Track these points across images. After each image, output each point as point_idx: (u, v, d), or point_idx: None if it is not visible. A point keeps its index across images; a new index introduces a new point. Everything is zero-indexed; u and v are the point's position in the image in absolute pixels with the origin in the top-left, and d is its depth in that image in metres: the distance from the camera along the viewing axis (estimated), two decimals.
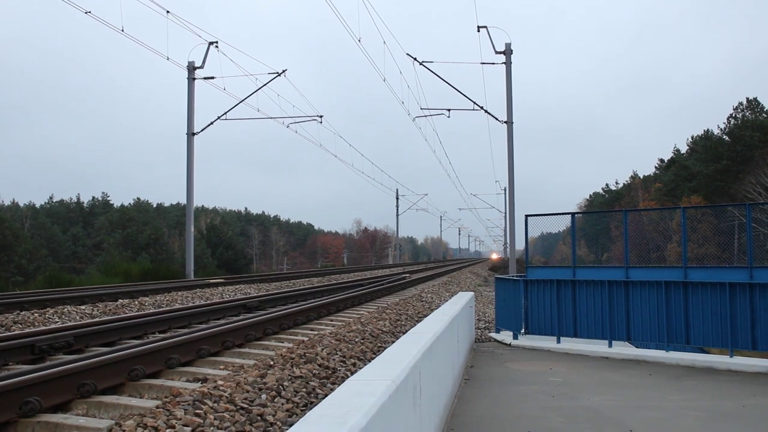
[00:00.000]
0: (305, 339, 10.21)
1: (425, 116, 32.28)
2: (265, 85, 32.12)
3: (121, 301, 16.40)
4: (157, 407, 5.51)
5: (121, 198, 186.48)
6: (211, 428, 5.12)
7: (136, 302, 16.27)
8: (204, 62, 32.22)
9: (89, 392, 6.17)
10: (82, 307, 14.78)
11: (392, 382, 4.15)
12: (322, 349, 8.99)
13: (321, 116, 34.18)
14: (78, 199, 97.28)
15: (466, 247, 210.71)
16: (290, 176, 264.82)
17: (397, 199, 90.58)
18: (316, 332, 11.34)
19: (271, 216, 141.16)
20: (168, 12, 23.92)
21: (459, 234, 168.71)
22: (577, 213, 14.91)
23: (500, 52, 28.51)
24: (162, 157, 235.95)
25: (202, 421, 5.22)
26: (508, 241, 29.51)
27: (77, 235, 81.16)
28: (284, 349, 8.91)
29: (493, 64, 28.87)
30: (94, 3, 20.91)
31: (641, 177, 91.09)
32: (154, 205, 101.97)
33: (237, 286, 23.82)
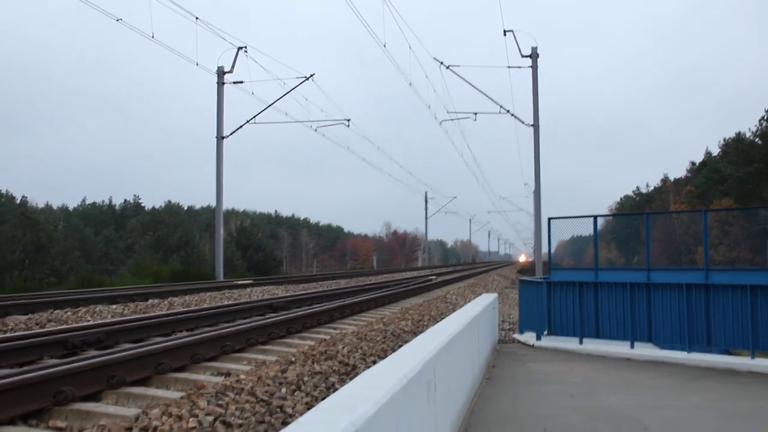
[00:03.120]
0: (327, 337, 10.48)
1: (452, 120, 32.49)
2: (293, 89, 32.55)
3: (151, 301, 16.82)
4: (182, 398, 5.82)
5: (152, 201, 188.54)
6: (232, 418, 5.38)
7: (166, 302, 16.67)
8: (233, 67, 32.73)
9: (118, 384, 6.53)
10: (114, 306, 15.21)
11: (404, 376, 4.36)
12: (343, 347, 9.24)
13: (348, 120, 34.56)
14: (110, 201, 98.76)
15: (496, 250, 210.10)
16: (320, 179, 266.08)
17: (426, 201, 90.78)
18: (338, 331, 11.60)
19: (301, 218, 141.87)
20: (197, 18, 24.40)
21: (489, 237, 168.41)
22: (600, 216, 15.03)
23: (527, 56, 28.65)
24: (193, 160, 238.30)
25: (223, 411, 5.50)
26: (535, 243, 29.50)
27: (109, 237, 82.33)
28: (306, 347, 9.19)
29: (520, 67, 29.02)
30: (125, 11, 21.38)
31: (672, 180, 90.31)
32: (185, 208, 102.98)
33: (265, 288, 24.19)
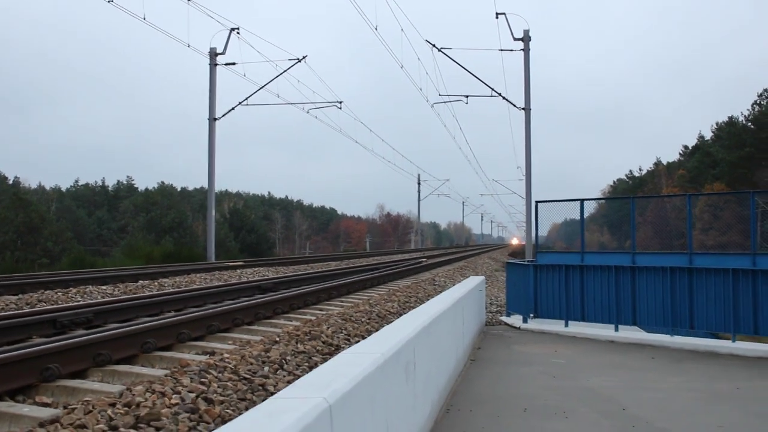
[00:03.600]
0: (313, 318, 10.63)
1: (444, 102, 32.53)
2: (285, 71, 32.54)
3: (141, 282, 16.94)
4: (166, 375, 5.97)
5: (145, 182, 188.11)
6: (214, 395, 5.52)
7: (156, 283, 16.79)
8: (225, 48, 32.70)
9: (104, 362, 6.68)
10: (104, 287, 15.33)
11: (381, 355, 4.50)
12: (328, 328, 9.40)
13: (341, 102, 34.59)
14: (103, 182, 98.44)
15: (489, 232, 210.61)
16: (314, 161, 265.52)
17: (419, 184, 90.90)
18: (324, 312, 11.75)
19: (295, 200, 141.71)
20: (189, 1, 24.34)
21: (482, 219, 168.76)
22: (586, 199, 15.13)
23: (519, 39, 28.62)
24: (186, 141, 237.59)
25: (206, 389, 5.64)
26: (527, 227, 29.64)
27: (102, 219, 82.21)
28: (291, 327, 9.34)
29: (512, 51, 29.00)
30: None
31: (665, 164, 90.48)
32: (179, 189, 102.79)
33: (255, 269, 24.32)
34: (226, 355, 6.85)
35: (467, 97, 31.17)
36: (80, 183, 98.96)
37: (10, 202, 51.54)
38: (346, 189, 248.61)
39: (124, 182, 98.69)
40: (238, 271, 23.01)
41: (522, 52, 28.65)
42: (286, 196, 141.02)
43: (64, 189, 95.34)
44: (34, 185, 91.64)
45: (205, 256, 33.02)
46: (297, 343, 8.09)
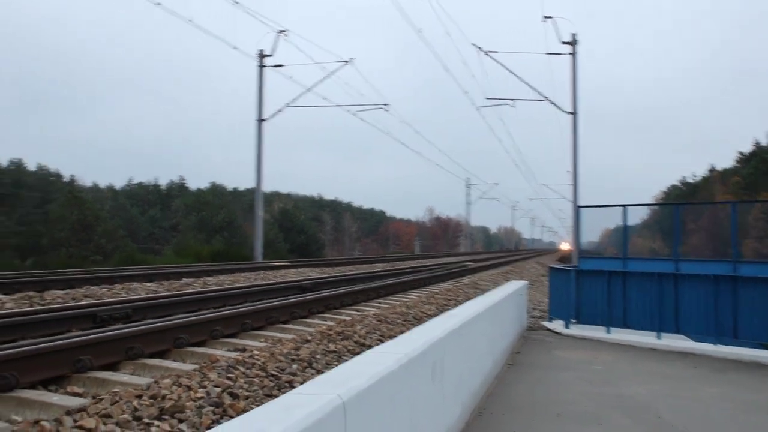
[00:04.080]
0: (348, 319, 10.68)
1: (490, 106, 32.41)
2: (332, 73, 32.79)
3: (185, 279, 17.24)
4: (194, 370, 6.08)
5: (197, 182, 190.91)
6: (240, 390, 5.60)
7: (200, 281, 17.07)
8: (273, 50, 33.09)
9: (136, 355, 6.84)
10: (149, 284, 15.66)
11: (405, 355, 4.52)
12: (361, 328, 9.45)
13: (387, 104, 34.67)
14: (156, 182, 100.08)
15: (539, 237, 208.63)
16: (363, 163, 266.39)
17: (468, 187, 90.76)
18: (360, 313, 11.79)
19: (344, 202, 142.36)
20: (236, 2, 24.70)
21: (531, 224, 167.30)
22: (629, 205, 14.97)
23: (566, 43, 28.40)
24: (238, 142, 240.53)
25: (232, 384, 5.73)
26: (573, 232, 29.34)
27: (155, 217, 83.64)
28: (324, 327, 9.41)
29: (559, 54, 28.76)
30: None
31: (720, 170, 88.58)
32: (230, 190, 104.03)
33: (300, 269, 24.53)
34: (255, 352, 6.95)
35: (514, 101, 31.06)
36: (134, 182, 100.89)
37: (66, 200, 52.83)
38: (395, 192, 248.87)
39: (177, 182, 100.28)
40: (283, 271, 23.24)
41: (569, 56, 28.38)
42: (336, 198, 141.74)
43: (118, 188, 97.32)
44: (88, 184, 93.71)
45: (253, 256, 33.44)
46: (328, 342, 8.15)
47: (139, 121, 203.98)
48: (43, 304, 11.36)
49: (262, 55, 33.75)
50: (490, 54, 29.51)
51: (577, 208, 15.74)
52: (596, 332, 13.46)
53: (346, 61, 33.04)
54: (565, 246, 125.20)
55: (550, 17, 28.10)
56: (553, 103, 29.33)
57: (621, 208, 15.09)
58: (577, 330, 13.79)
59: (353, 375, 3.70)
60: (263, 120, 34.06)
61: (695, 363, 10.89)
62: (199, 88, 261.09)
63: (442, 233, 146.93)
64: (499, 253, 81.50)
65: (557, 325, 14.57)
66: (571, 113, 28.46)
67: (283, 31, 32.52)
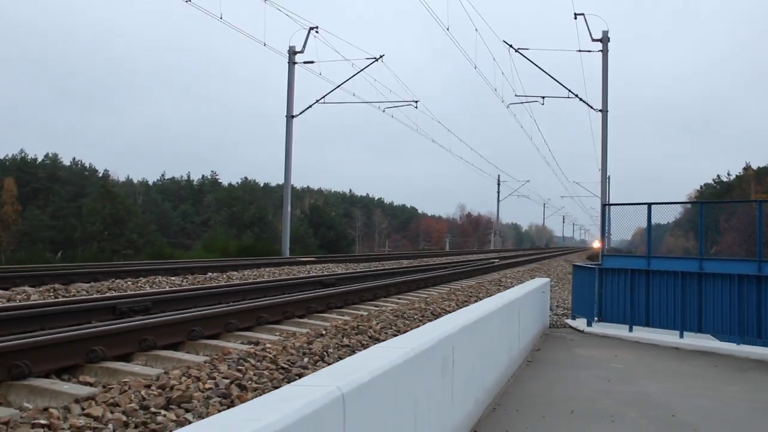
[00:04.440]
0: (365, 314, 10.75)
1: (520, 103, 32.29)
2: (362, 69, 32.90)
3: (210, 274, 17.44)
4: (205, 362, 6.19)
5: (229, 177, 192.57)
6: (249, 382, 5.69)
7: (224, 276, 17.26)
8: (304, 47, 33.28)
9: (149, 347, 6.98)
10: (173, 278, 15.88)
11: (411, 350, 4.55)
12: (377, 324, 9.50)
13: (417, 101, 34.72)
14: (188, 177, 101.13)
15: (570, 235, 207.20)
16: (395, 159, 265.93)
17: (499, 184, 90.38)
18: (378, 308, 11.85)
19: (375, 198, 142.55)
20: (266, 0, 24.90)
21: (563, 222, 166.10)
22: (654, 203, 14.79)
23: (597, 40, 28.18)
24: (269, 138, 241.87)
25: (241, 376, 5.82)
26: (601, 229, 29.17)
27: (186, 212, 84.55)
28: (340, 321, 9.48)
29: (590, 51, 28.57)
30: None
31: (755, 168, 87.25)
32: (261, 185, 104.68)
33: (325, 265, 24.67)
34: (268, 345, 7.03)
35: (543, 98, 30.92)
36: (166, 177, 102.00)
37: (99, 194, 53.66)
38: (426, 188, 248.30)
39: (209, 177, 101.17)
40: (308, 266, 23.38)
41: (600, 53, 28.16)
42: (367, 194, 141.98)
43: (150, 182, 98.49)
44: (122, 178, 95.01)
45: (281, 252, 33.70)
46: (343, 336, 8.22)
47: (172, 117, 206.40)
48: (67, 297, 11.57)
49: (292, 52, 33.97)
50: (521, 51, 29.40)
51: (603, 207, 15.65)
52: (618, 330, 13.39)
53: (377, 58, 33.13)
54: (596, 244, 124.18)
55: (581, 14, 27.93)
56: (582, 100, 29.16)
57: (646, 206, 14.92)
58: (599, 328, 13.72)
59: (356, 368, 3.73)
60: (293, 116, 34.27)
61: (717, 362, 10.79)
62: (233, 84, 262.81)
63: (472, 230, 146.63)
64: (529, 251, 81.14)
65: (580, 323, 14.51)
66: (601, 111, 28.25)
67: (314, 28, 32.69)
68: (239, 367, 6.06)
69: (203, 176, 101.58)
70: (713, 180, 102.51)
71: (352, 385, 3.40)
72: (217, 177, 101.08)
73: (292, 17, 29.62)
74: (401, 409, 4.28)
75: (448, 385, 5.58)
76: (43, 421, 4.33)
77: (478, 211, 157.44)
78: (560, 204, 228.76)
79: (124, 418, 4.58)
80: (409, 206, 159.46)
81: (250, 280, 15.94)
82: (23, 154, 75.57)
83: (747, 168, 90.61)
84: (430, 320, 11.16)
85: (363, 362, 3.97)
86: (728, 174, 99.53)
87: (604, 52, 28.09)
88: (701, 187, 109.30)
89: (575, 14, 27.80)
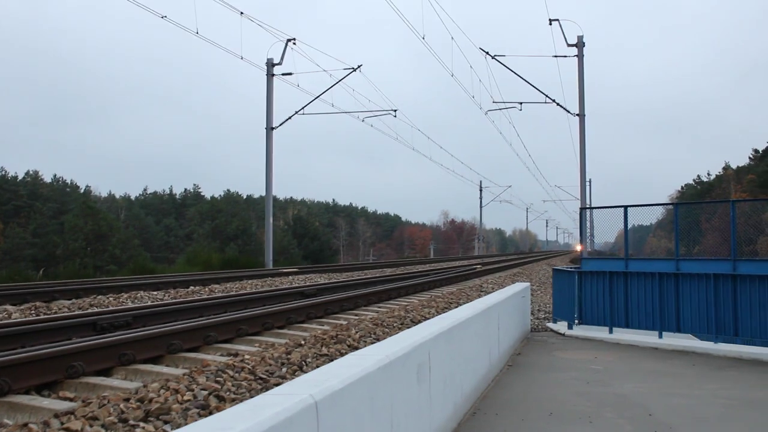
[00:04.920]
0: (344, 323, 10.84)
1: (498, 109, 32.54)
2: (340, 80, 33.05)
3: (192, 288, 17.48)
4: (184, 374, 6.27)
5: (212, 190, 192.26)
6: (227, 393, 5.77)
7: (206, 289, 17.30)
8: (282, 59, 33.39)
9: (129, 361, 7.05)
10: (155, 292, 15.89)
11: (386, 357, 4.65)
12: (356, 332, 9.60)
13: (395, 110, 34.90)
14: (171, 190, 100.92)
15: (554, 239, 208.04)
16: (377, 169, 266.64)
17: (481, 191, 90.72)
18: (358, 317, 11.95)
19: (359, 207, 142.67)
20: (242, 13, 24.99)
21: (546, 226, 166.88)
22: (630, 206, 14.94)
23: (572, 45, 28.47)
24: (251, 150, 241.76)
25: (219, 387, 5.91)
26: (580, 233, 29.39)
27: (170, 226, 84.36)
28: (320, 331, 9.57)
29: (565, 57, 28.83)
30: (169, 8, 22.09)
31: (734, 168, 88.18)
32: (244, 197, 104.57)
33: (307, 275, 24.73)
34: (246, 357, 7.12)
35: (521, 104, 31.21)
36: (149, 191, 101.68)
37: (80, 210, 53.45)
38: (409, 196, 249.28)
39: (191, 190, 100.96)
40: (290, 277, 23.44)
41: (576, 58, 28.45)
42: (351, 203, 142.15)
43: (133, 197, 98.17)
44: (104, 194, 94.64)
45: (264, 263, 33.70)
46: (321, 346, 8.31)
47: (154, 131, 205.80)
48: (48, 314, 11.59)
49: (270, 64, 34.03)
50: (497, 58, 29.63)
51: (581, 210, 15.85)
52: (599, 333, 13.53)
53: (355, 68, 33.28)
54: (579, 248, 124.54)
55: (556, 20, 28.20)
56: (560, 105, 29.45)
57: (623, 209, 15.08)
58: (580, 331, 13.85)
59: (330, 377, 3.82)
60: (273, 128, 34.33)
61: (695, 361, 10.94)
62: (214, 96, 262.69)
63: (456, 237, 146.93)
64: (512, 256, 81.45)
65: (561, 326, 14.64)
66: (579, 115, 28.52)
67: (292, 39, 32.79)
68: (218, 379, 6.14)
69: (186, 190, 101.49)
70: (694, 180, 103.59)
71: (325, 393, 3.49)
72: (199, 190, 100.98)
73: (269, 30, 29.71)
74: (377, 415, 4.37)
75: (425, 391, 5.67)
76: None
77: (462, 218, 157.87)
78: (543, 208, 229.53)
79: (103, 431, 4.65)
80: (392, 214, 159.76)
81: (231, 293, 15.96)
82: (3, 172, 75.10)
83: (726, 168, 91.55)
84: (409, 327, 11.27)
85: (337, 370, 4.06)
86: (708, 174, 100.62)
87: (580, 57, 28.39)
88: (682, 187, 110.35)
89: (550, 20, 28.08)
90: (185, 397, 5.52)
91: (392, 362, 4.70)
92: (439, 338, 6.17)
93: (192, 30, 23.16)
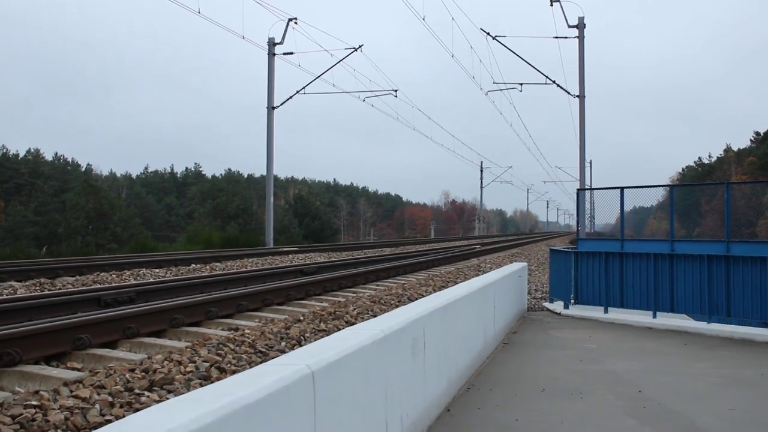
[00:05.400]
0: (343, 300, 11.06)
1: (499, 90, 32.60)
2: (341, 60, 33.03)
3: (193, 265, 17.70)
4: (186, 347, 6.49)
5: (213, 169, 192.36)
6: (228, 365, 5.99)
7: (207, 267, 17.51)
8: (283, 38, 33.38)
9: (133, 334, 7.29)
10: (157, 270, 16.12)
11: (381, 331, 4.85)
12: (354, 309, 9.81)
13: (396, 90, 34.96)
14: (172, 169, 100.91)
15: (555, 220, 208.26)
16: (380, 148, 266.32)
17: (482, 171, 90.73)
18: (355, 295, 12.17)
19: (360, 187, 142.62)
20: None
21: (547, 207, 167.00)
22: (626, 187, 15.09)
23: (573, 26, 28.49)
24: (252, 129, 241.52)
25: (221, 359, 6.13)
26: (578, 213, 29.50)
27: (171, 205, 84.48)
28: (318, 308, 9.79)
29: (566, 38, 28.87)
30: None
31: (735, 150, 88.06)
32: (246, 176, 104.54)
33: (307, 254, 24.94)
34: (246, 331, 7.34)
35: (521, 84, 31.29)
36: (150, 170, 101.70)
37: (82, 189, 53.58)
38: (411, 176, 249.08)
39: (192, 169, 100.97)
40: (291, 256, 23.66)
41: (576, 39, 28.49)
42: (352, 183, 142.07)
43: (134, 176, 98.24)
44: (105, 172, 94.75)
45: (265, 242, 33.92)
46: (320, 322, 8.53)
47: (156, 109, 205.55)
48: (53, 290, 11.81)
49: (272, 44, 34.04)
50: (498, 38, 29.67)
51: (578, 192, 16.02)
52: (594, 312, 13.72)
53: (356, 48, 33.28)
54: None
55: (557, 1, 28.21)
56: (560, 86, 29.52)
57: (619, 190, 15.24)
58: (576, 310, 14.05)
59: (326, 349, 4.00)
60: (274, 107, 34.42)
61: (687, 341, 11.12)
62: (216, 75, 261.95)
63: (457, 217, 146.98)
64: (513, 236, 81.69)
65: (557, 305, 14.84)
66: (579, 96, 28.61)
67: (293, 19, 32.78)
68: (219, 352, 6.36)
69: (187, 168, 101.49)
70: (695, 162, 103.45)
71: (321, 364, 3.68)
72: (200, 169, 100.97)
73: (270, 9, 29.73)
74: (372, 386, 4.56)
75: (420, 365, 5.87)
76: (34, 403, 4.63)
77: (463, 198, 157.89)
78: (543, 189, 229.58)
79: (110, 399, 4.87)
80: (393, 194, 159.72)
81: (232, 271, 16.19)
82: (4, 150, 75.16)
83: (728, 150, 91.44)
84: (406, 305, 11.48)
85: (333, 343, 4.24)
86: (709, 156, 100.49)
87: (580, 38, 28.42)
88: (683, 169, 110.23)
89: (551, 1, 28.08)
90: (188, 369, 5.74)
91: (387, 336, 4.88)
92: (434, 315, 6.35)
93: (194, 9, 23.27)
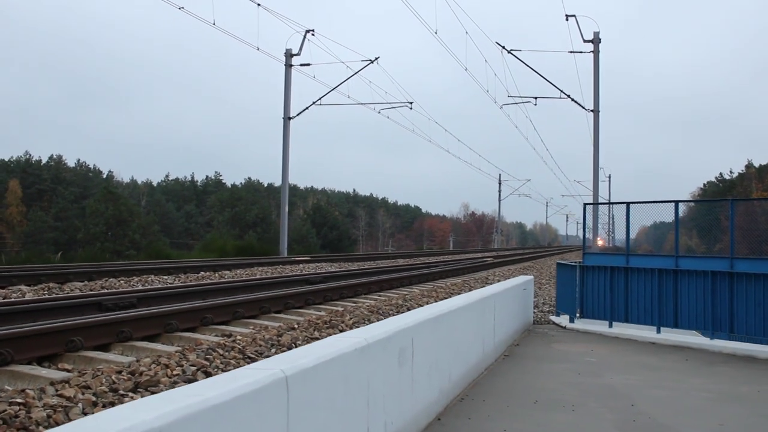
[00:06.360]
0: (341, 309, 11.15)
1: (514, 104, 32.65)
2: (357, 72, 33.24)
3: (202, 273, 17.87)
4: (176, 351, 6.63)
5: (233, 177, 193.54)
6: (215, 370, 6.11)
7: (216, 275, 17.67)
8: (300, 49, 33.67)
9: (126, 338, 7.46)
10: (166, 277, 16.31)
11: (364, 339, 4.94)
12: (350, 319, 9.90)
13: (411, 103, 35.07)
14: (192, 177, 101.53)
15: (574, 233, 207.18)
16: (399, 159, 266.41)
17: (500, 184, 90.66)
18: (355, 305, 12.26)
19: (379, 198, 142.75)
20: (259, 5, 25.30)
21: (567, 221, 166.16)
22: (633, 203, 15.07)
23: (588, 41, 28.51)
24: (272, 138, 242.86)
25: (208, 364, 6.25)
26: (593, 228, 29.42)
27: (190, 213, 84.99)
28: (314, 317, 9.90)
29: (581, 53, 28.91)
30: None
31: (757, 166, 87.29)
32: (265, 185, 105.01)
33: (318, 264, 25.06)
34: (238, 337, 7.46)
35: (536, 98, 31.25)
36: (171, 178, 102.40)
37: (101, 195, 54.12)
38: (430, 188, 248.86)
39: (213, 177, 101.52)
40: (301, 265, 23.79)
41: (591, 54, 28.52)
42: (371, 194, 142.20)
43: (155, 183, 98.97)
44: (126, 179, 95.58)
45: (279, 251, 34.11)
46: (314, 330, 8.63)
47: (178, 117, 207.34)
48: (58, 294, 12.01)
49: (289, 55, 34.35)
50: (513, 52, 29.74)
51: (584, 206, 16.05)
52: (599, 326, 13.72)
53: (372, 60, 33.48)
54: (600, 242, 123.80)
55: (573, 16, 28.26)
56: (574, 100, 29.54)
57: (628, 206, 15.23)
58: (581, 324, 14.04)
59: (304, 355, 4.11)
60: (290, 118, 34.70)
61: (689, 356, 11.08)
62: (238, 84, 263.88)
63: (476, 229, 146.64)
64: (530, 250, 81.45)
65: (563, 319, 14.83)
66: (593, 111, 28.60)
67: (310, 30, 33.07)
68: (207, 356, 6.48)
69: (207, 177, 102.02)
70: (716, 178, 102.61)
71: (296, 369, 3.78)
72: (221, 178, 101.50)
73: (286, 21, 30.06)
74: (352, 392, 4.63)
75: (407, 374, 5.93)
76: (19, 400, 4.77)
77: (482, 211, 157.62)
78: (562, 203, 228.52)
79: (94, 399, 5.01)
80: (413, 206, 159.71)
81: (236, 279, 16.32)
82: (28, 156, 76.24)
83: (749, 166, 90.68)
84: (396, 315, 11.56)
85: (312, 350, 4.34)
86: (731, 172, 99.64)
87: (596, 53, 28.42)
88: (704, 185, 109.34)
89: (566, 16, 28.13)
90: (174, 372, 5.86)
91: (370, 345, 4.96)
92: (424, 325, 6.40)
93: (209, 21, 23.57)
